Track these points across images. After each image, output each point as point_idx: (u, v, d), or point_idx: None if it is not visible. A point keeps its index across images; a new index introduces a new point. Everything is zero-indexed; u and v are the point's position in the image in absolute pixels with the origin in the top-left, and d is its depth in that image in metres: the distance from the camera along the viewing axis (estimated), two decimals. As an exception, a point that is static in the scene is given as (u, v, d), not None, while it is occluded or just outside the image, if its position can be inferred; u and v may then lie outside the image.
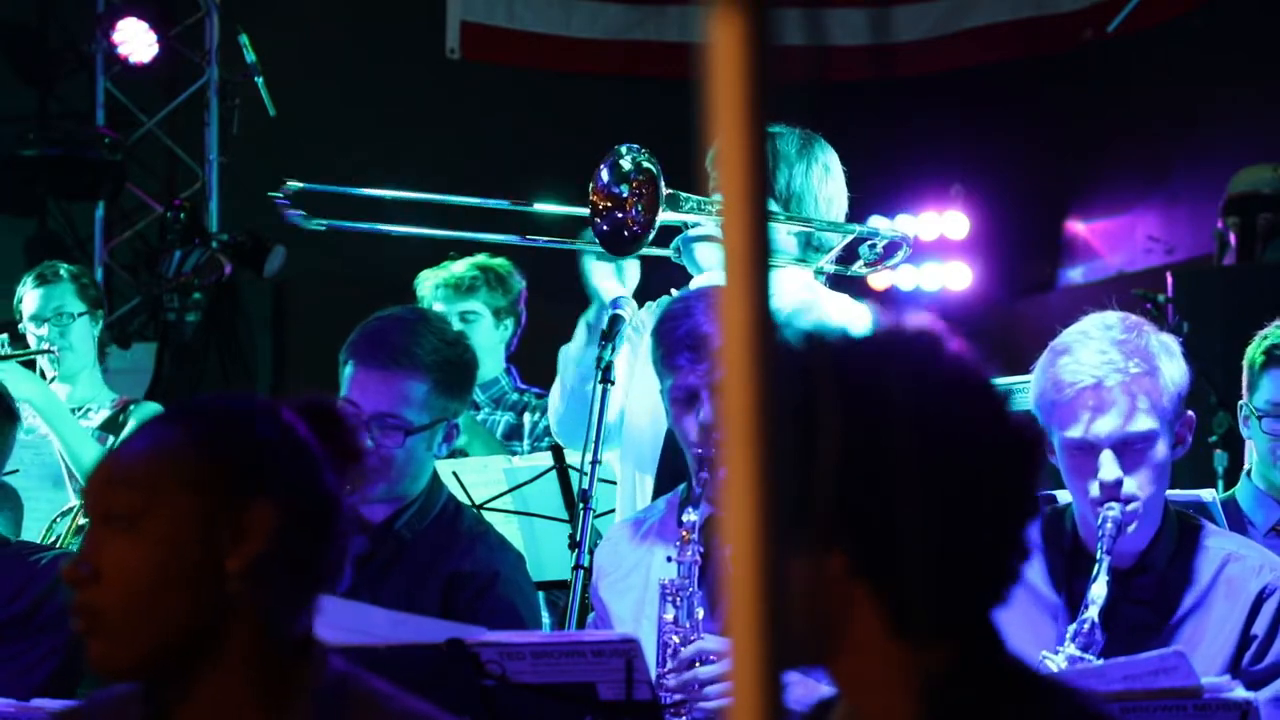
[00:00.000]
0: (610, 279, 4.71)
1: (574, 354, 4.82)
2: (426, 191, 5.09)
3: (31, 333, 6.57)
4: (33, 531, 5.82)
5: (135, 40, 9.61)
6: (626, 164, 4.57)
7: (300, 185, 4.89)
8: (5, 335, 6.42)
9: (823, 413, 2.00)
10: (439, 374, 4.19)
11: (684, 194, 4.56)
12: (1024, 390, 5.27)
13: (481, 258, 6.45)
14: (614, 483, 4.90)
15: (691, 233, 4.66)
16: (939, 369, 2.10)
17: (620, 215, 4.55)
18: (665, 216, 4.51)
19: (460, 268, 6.40)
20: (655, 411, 4.51)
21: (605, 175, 4.56)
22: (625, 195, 4.55)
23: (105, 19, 9.69)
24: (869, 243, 4.87)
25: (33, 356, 6.48)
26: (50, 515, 5.93)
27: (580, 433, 4.85)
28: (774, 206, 4.66)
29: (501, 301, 6.43)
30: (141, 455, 2.37)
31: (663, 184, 4.50)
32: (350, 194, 5.12)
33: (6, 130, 9.55)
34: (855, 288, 5.00)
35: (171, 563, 2.33)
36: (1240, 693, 3.28)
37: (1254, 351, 4.82)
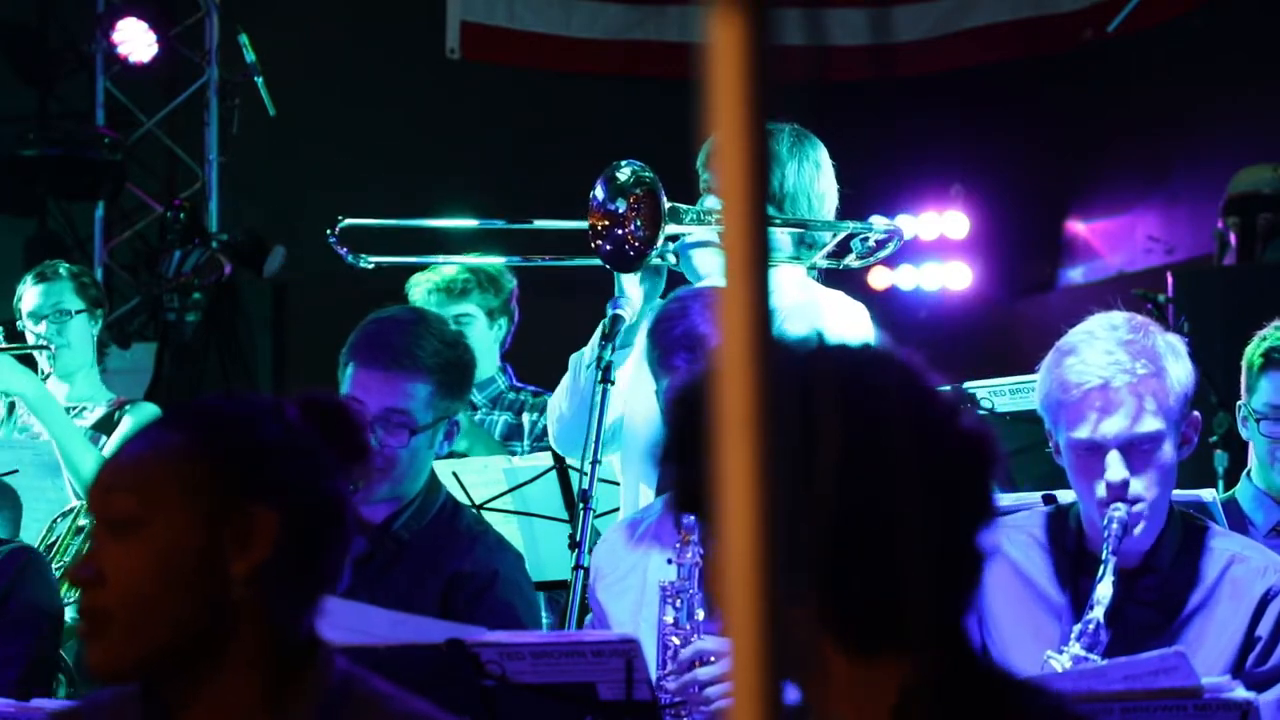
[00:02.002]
0: (634, 284, 4.69)
1: (589, 360, 4.81)
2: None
3: (30, 329, 6.57)
4: (32, 531, 5.81)
5: (135, 40, 9.60)
6: (623, 176, 4.56)
7: (352, 221, 4.90)
8: (0, 329, 6.42)
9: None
10: (441, 375, 4.19)
11: (684, 206, 4.56)
12: (1025, 390, 5.27)
13: (472, 259, 6.45)
14: (615, 483, 4.89)
15: (689, 239, 4.65)
16: (877, 381, 2.09)
17: (620, 232, 4.54)
18: (668, 230, 4.50)
19: (451, 270, 6.39)
20: (652, 415, 4.51)
21: (600, 193, 4.54)
22: (623, 211, 4.54)
23: (105, 19, 9.68)
24: (860, 236, 4.88)
25: (28, 351, 6.48)
26: (50, 514, 5.92)
27: (580, 438, 4.85)
28: (770, 210, 4.64)
29: (494, 302, 6.41)
30: (142, 459, 2.36)
31: (664, 198, 4.49)
32: (403, 226, 5.20)
33: (6, 130, 9.55)
34: (854, 288, 5.00)
35: (173, 567, 2.32)
36: (1240, 693, 3.27)
37: (1252, 353, 4.80)
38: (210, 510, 2.32)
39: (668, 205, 4.48)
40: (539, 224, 5.12)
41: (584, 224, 4.61)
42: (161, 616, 2.32)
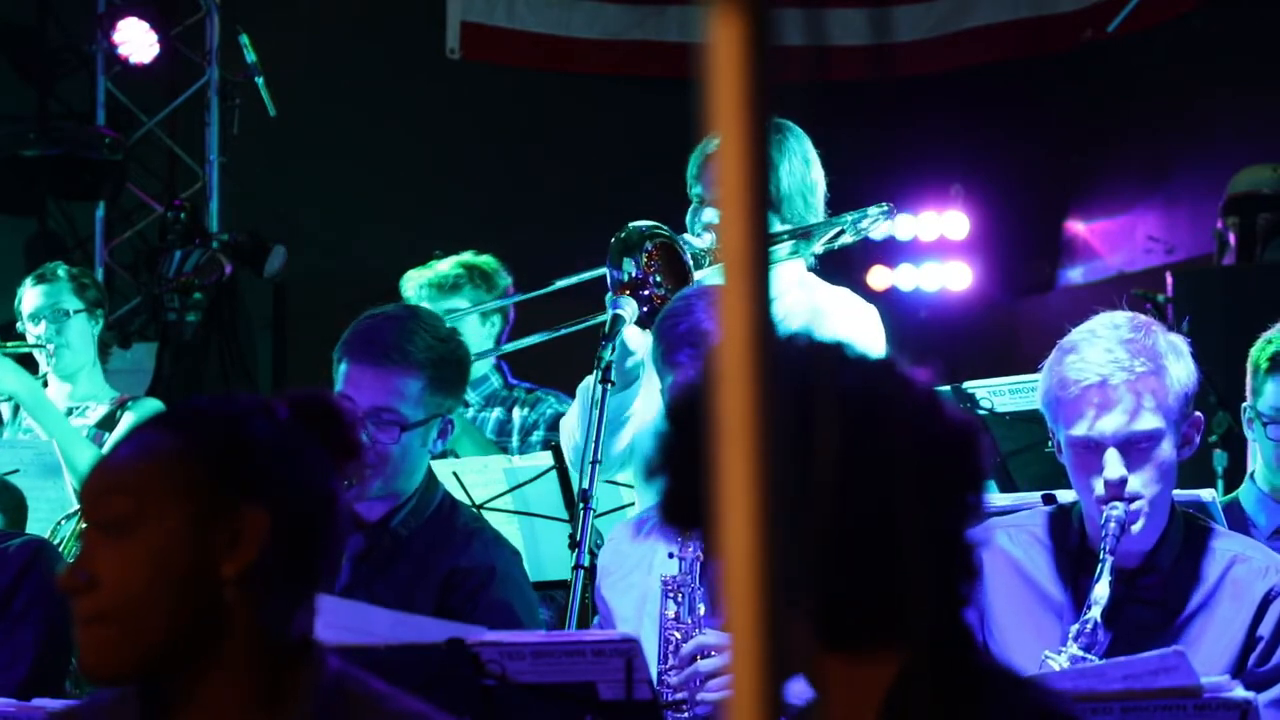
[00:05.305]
0: (637, 332, 4.70)
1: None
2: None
3: (30, 331, 6.59)
4: (35, 532, 5.81)
5: (135, 40, 9.60)
6: (624, 236, 4.58)
7: None
8: None
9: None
10: (433, 371, 4.18)
11: (698, 248, 4.57)
12: (1025, 390, 5.27)
13: (467, 256, 6.44)
14: (614, 483, 4.90)
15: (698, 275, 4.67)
16: (873, 380, 2.10)
17: (646, 293, 4.56)
18: (698, 277, 4.53)
19: (445, 266, 6.38)
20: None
21: (611, 272, 4.57)
22: (636, 274, 4.56)
23: (105, 19, 9.68)
24: (852, 218, 4.91)
25: (26, 351, 6.50)
26: (51, 514, 5.92)
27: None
28: (776, 224, 4.66)
29: (487, 298, 6.40)
30: (132, 461, 2.36)
31: (684, 251, 4.51)
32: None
33: (6, 130, 9.55)
34: (854, 288, 5.00)
35: (166, 568, 2.32)
36: (1240, 692, 3.28)
37: (1259, 355, 4.77)
38: (202, 510, 2.32)
39: (689, 256, 4.51)
40: (559, 284, 5.13)
41: (600, 271, 4.63)
42: (155, 617, 2.32)
